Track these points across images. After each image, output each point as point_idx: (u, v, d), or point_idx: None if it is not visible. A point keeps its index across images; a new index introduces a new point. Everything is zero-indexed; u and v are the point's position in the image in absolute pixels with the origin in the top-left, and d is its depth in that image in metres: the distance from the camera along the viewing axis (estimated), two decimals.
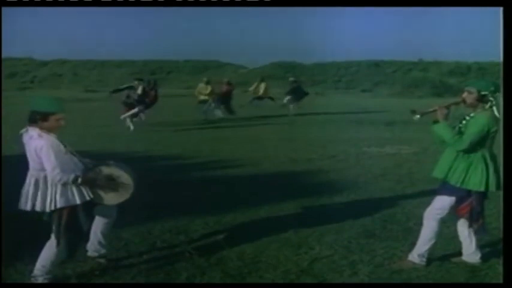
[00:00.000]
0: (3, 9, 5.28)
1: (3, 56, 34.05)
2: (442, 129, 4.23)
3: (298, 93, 19.41)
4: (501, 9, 4.20)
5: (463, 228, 4.42)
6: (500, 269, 4.11)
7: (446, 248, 4.69)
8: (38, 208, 3.88)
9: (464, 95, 4.23)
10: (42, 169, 3.83)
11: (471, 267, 4.34)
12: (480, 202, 4.25)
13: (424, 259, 4.37)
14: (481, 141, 4.12)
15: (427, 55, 46.56)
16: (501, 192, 4.10)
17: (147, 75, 44.23)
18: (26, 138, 3.90)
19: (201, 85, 17.50)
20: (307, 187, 7.42)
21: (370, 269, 4.36)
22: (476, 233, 4.39)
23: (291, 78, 21.02)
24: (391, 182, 7.71)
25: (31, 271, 4.00)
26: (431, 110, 4.33)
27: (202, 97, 17.22)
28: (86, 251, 4.40)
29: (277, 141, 12.17)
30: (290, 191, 7.04)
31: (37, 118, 3.85)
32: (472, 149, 4.12)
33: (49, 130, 3.89)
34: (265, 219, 5.80)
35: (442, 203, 4.33)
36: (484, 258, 4.44)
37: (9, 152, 7.17)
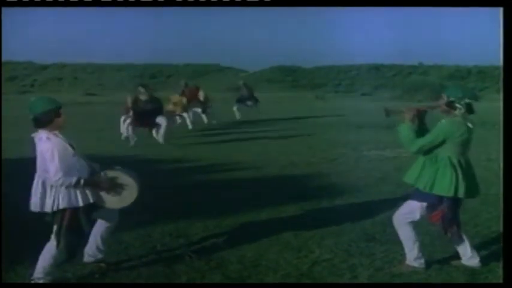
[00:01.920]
0: (4, 12, 5.30)
1: (3, 59, 34.08)
2: (402, 130, 4.26)
3: (248, 99, 18.76)
4: (501, 9, 4.21)
5: None
6: (500, 272, 4.11)
7: (446, 251, 4.68)
8: (47, 209, 3.91)
9: (440, 100, 4.25)
10: (47, 171, 3.85)
11: (471, 271, 4.33)
12: (452, 209, 4.20)
13: (422, 261, 4.36)
14: (438, 147, 4.12)
15: (427, 59, 46.67)
16: (501, 195, 4.09)
17: (147, 79, 44.43)
18: (36, 140, 3.95)
19: (176, 96, 15.92)
20: (307, 190, 7.42)
21: (370, 272, 4.35)
22: (452, 240, 4.37)
23: (241, 82, 20.26)
24: (391, 185, 7.70)
25: (31, 273, 4.00)
26: (400, 110, 4.38)
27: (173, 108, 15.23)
28: (79, 254, 4.38)
29: (277, 144, 12.17)
30: (290, 194, 7.04)
31: (52, 117, 3.90)
32: (426, 152, 4.14)
33: (61, 127, 3.96)
34: (265, 223, 5.79)
35: (410, 208, 4.32)
36: (484, 261, 4.43)
37: (10, 155, 7.20)
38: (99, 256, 4.42)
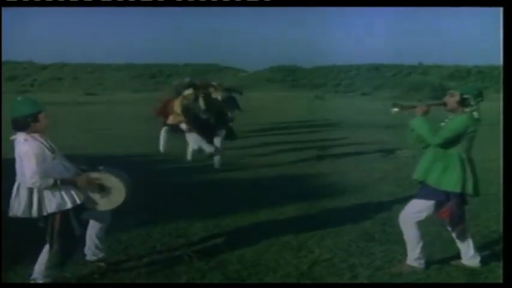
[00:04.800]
0: (4, 12, 5.30)
1: (3, 59, 34.08)
2: (420, 124, 4.26)
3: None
4: (501, 9, 4.21)
5: None
6: (500, 272, 4.11)
7: (445, 250, 4.69)
8: (24, 214, 3.86)
9: (446, 98, 4.27)
10: (24, 173, 3.80)
11: (471, 271, 4.33)
12: (459, 206, 4.24)
13: (422, 261, 4.37)
14: (457, 140, 4.15)
15: (427, 59, 46.68)
16: (501, 195, 4.09)
17: (147, 79, 44.46)
18: (15, 143, 3.89)
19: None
20: (306, 190, 7.42)
21: (369, 272, 4.36)
22: (457, 237, 4.38)
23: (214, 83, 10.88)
24: (390, 185, 7.71)
25: (31, 273, 4.01)
26: (412, 105, 4.37)
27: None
28: (85, 255, 4.40)
29: (277, 144, 12.17)
30: (290, 194, 7.04)
31: (28, 121, 3.83)
32: (447, 145, 4.16)
33: (39, 131, 3.89)
34: (265, 223, 5.79)
35: (418, 207, 4.33)
36: (484, 261, 4.43)
37: (9, 155, 7.17)
38: (100, 255, 4.43)
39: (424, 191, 4.31)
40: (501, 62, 4.24)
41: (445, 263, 4.48)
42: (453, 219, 4.26)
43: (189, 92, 9.25)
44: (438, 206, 4.26)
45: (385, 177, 8.25)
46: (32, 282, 3.97)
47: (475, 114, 4.17)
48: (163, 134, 10.64)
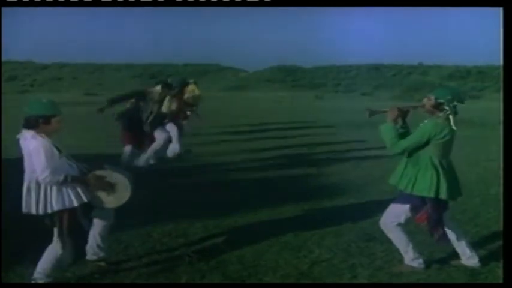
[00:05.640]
0: (4, 12, 5.30)
1: (3, 59, 34.11)
2: (384, 131, 4.25)
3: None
4: (501, 9, 4.22)
5: (451, 235, 4.38)
6: (500, 272, 4.11)
7: (446, 251, 4.68)
8: (33, 211, 3.88)
9: (425, 100, 4.23)
10: (34, 170, 3.82)
11: (471, 271, 4.33)
12: (436, 210, 4.18)
13: (421, 261, 4.36)
14: (421, 148, 4.12)
15: (427, 59, 46.68)
16: (501, 195, 4.09)
17: (147, 78, 44.42)
18: (21, 141, 3.90)
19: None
20: (306, 190, 7.42)
21: (369, 272, 4.36)
22: (437, 242, 4.35)
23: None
24: (390, 185, 7.69)
25: (31, 274, 4.00)
26: (382, 110, 4.36)
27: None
28: (85, 254, 4.40)
29: (277, 144, 12.17)
30: (289, 194, 7.04)
31: (39, 122, 3.86)
32: (418, 151, 4.13)
33: (48, 133, 3.90)
34: (265, 223, 5.79)
35: (395, 212, 4.32)
36: (484, 261, 4.43)
37: (10, 155, 7.21)
38: (101, 254, 4.43)
39: (400, 195, 4.31)
40: (501, 62, 4.24)
41: (445, 263, 4.48)
42: (430, 223, 4.22)
43: (157, 89, 8.67)
44: (414, 210, 4.23)
45: (385, 177, 8.21)
46: (32, 282, 3.97)
47: (442, 120, 4.10)
48: None
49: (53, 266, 3.97)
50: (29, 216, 3.93)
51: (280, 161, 9.89)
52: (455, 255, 4.51)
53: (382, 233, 5.33)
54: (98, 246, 4.39)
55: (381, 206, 6.35)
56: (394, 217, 4.31)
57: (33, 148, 3.80)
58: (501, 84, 4.24)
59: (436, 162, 4.11)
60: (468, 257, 4.39)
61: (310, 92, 38.26)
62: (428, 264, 4.40)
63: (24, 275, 4.15)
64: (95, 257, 4.42)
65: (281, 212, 6.19)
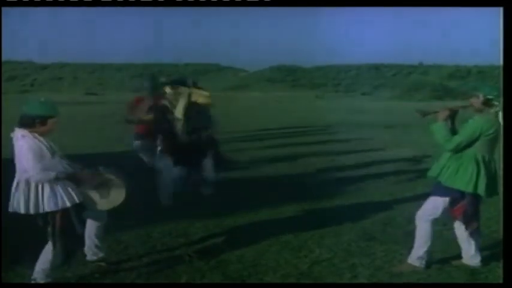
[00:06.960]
0: (4, 12, 5.29)
1: (3, 59, 34.08)
2: (437, 129, 4.34)
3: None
4: (501, 9, 4.22)
5: (461, 231, 4.43)
6: (500, 272, 4.11)
7: (446, 250, 4.69)
8: (21, 210, 3.86)
9: (472, 99, 4.30)
10: (25, 170, 3.81)
11: (471, 270, 4.34)
12: (473, 204, 4.27)
13: (424, 261, 4.38)
14: (472, 144, 4.18)
15: (427, 59, 46.67)
16: (501, 195, 4.10)
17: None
18: (14, 140, 3.90)
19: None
20: (306, 190, 7.42)
21: (370, 272, 4.36)
22: (471, 235, 4.40)
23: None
24: (390, 185, 7.71)
25: (31, 274, 4.00)
26: (434, 111, 4.46)
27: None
28: (85, 255, 4.40)
29: (276, 144, 12.17)
30: (290, 194, 7.04)
31: (36, 122, 3.85)
32: (461, 150, 4.20)
33: (42, 133, 3.89)
34: (265, 222, 5.79)
35: (434, 204, 4.37)
36: (484, 261, 4.44)
37: (10, 155, 7.15)
38: (100, 254, 4.44)
39: (438, 188, 4.36)
40: (501, 62, 4.25)
41: (445, 263, 4.48)
42: (466, 217, 4.29)
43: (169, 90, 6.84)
44: (453, 203, 4.30)
45: (385, 177, 8.25)
46: (32, 282, 3.96)
47: (491, 116, 4.19)
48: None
49: (49, 266, 3.97)
50: (29, 216, 3.93)
51: (280, 161, 9.88)
52: (455, 255, 4.52)
53: (383, 232, 5.36)
54: (96, 246, 4.39)
55: (381, 206, 6.39)
56: (432, 209, 4.37)
57: (22, 147, 3.79)
58: (501, 84, 4.25)
59: (480, 158, 4.19)
60: (471, 256, 4.41)
61: (310, 92, 38.22)
62: (428, 264, 4.40)
63: (24, 275, 4.15)
64: (94, 257, 4.42)
65: (281, 212, 6.19)
